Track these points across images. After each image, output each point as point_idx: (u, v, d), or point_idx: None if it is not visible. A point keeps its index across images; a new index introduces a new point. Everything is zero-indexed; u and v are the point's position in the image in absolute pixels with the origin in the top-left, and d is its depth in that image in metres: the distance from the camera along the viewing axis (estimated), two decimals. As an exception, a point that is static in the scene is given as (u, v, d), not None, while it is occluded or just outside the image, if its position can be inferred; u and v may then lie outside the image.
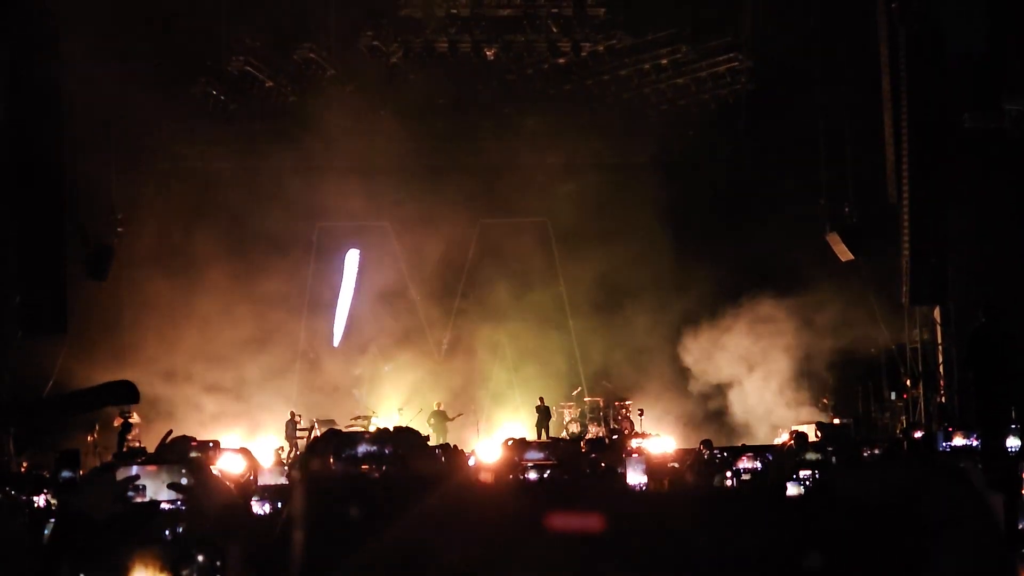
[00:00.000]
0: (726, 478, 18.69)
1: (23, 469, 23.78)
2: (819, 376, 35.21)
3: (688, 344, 36.06)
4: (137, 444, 29.06)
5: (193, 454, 12.38)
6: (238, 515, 6.53)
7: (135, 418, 30.50)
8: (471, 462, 19.68)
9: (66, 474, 15.25)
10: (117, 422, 29.34)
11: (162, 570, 4.41)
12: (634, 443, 28.97)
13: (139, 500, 9.33)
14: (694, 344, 35.95)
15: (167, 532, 4.85)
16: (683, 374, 36.41)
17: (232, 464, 17.82)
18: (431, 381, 36.67)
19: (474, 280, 38.47)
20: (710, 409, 35.74)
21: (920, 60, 31.05)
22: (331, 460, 5.66)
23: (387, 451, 5.71)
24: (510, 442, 20.70)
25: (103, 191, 33.92)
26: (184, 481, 5.31)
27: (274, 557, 5.43)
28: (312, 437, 31.79)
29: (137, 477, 8.64)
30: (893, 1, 31.65)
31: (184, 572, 4.37)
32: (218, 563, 3.81)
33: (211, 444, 18.70)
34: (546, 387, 36.49)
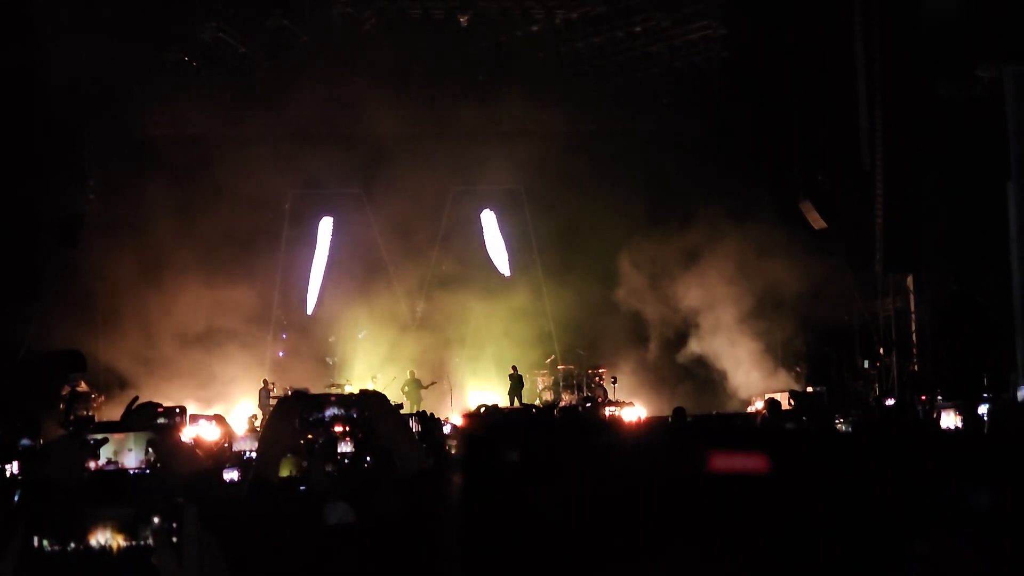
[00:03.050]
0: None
1: (-6, 437, 23.66)
2: (792, 344, 35.32)
3: (662, 312, 36.12)
4: (85, 413, 28.87)
5: (160, 420, 12.36)
6: (204, 480, 6.52)
7: (83, 387, 30.26)
8: (446, 429, 19.75)
9: (25, 442, 15.21)
10: (65, 391, 29.12)
11: (119, 532, 4.38)
12: (608, 411, 29.10)
13: (108, 467, 9.30)
14: (668, 313, 36.02)
15: (131, 497, 4.82)
16: (657, 342, 36.49)
17: (207, 431, 17.84)
18: (405, 349, 36.67)
19: (448, 248, 38.44)
20: (685, 377, 35.81)
21: (893, 26, 31.07)
22: (297, 422, 5.66)
23: (354, 414, 5.71)
24: (481, 410, 20.75)
25: (74, 158, 33.79)
26: (150, 449, 5.30)
27: (238, 517, 5.41)
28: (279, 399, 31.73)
29: (104, 441, 8.60)
30: (867, -33, 31.66)
31: (143, 534, 4.35)
32: (174, 525, 3.78)
33: (177, 410, 18.71)
34: (520, 355, 36.48)
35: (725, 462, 2.79)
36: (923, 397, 24.59)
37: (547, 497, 2.83)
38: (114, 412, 28.75)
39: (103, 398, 31.54)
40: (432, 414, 23.73)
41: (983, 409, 19.20)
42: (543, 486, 2.84)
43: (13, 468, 13.86)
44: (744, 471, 2.78)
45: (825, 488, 2.81)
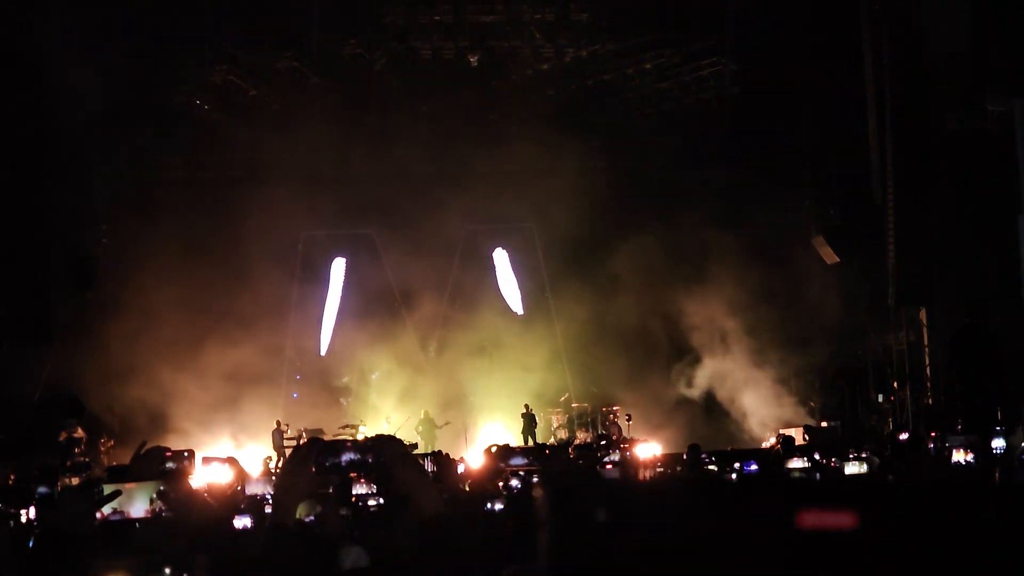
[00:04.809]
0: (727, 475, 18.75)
1: (10, 482, 23.66)
2: (805, 378, 35.22)
3: (675, 347, 36.07)
4: (83, 459, 28.78)
5: (168, 464, 12.30)
6: (215, 529, 6.50)
7: (79, 432, 30.10)
8: (460, 469, 19.65)
9: (42, 490, 15.26)
10: (62, 436, 29.02)
11: (130, 582, 4.38)
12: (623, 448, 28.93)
13: (113, 517, 9.27)
14: (682, 347, 35.97)
15: (139, 546, 4.82)
16: (671, 379, 36.38)
17: (219, 474, 17.75)
18: (418, 389, 36.58)
19: (460, 287, 38.38)
20: (699, 412, 35.66)
21: (903, 61, 31.14)
22: (312, 469, 5.64)
23: (370, 459, 5.68)
24: (493, 448, 20.65)
25: (87, 201, 33.92)
26: (157, 499, 5.29)
27: (251, 565, 5.39)
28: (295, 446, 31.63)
29: (118, 494, 8.58)
30: (875, 2, 31.71)
31: (153, 585, 4.34)
32: (185, 575, 3.78)
33: (185, 454, 18.68)
34: (534, 393, 36.34)
35: (814, 519, 2.77)
36: (932, 433, 24.45)
37: (636, 556, 2.83)
38: (124, 456, 28.74)
39: (112, 442, 31.51)
40: (447, 454, 23.66)
41: (997, 443, 19.10)
42: (633, 545, 2.83)
43: (30, 514, 13.87)
44: (833, 528, 2.77)
45: (913, 543, 2.79)
